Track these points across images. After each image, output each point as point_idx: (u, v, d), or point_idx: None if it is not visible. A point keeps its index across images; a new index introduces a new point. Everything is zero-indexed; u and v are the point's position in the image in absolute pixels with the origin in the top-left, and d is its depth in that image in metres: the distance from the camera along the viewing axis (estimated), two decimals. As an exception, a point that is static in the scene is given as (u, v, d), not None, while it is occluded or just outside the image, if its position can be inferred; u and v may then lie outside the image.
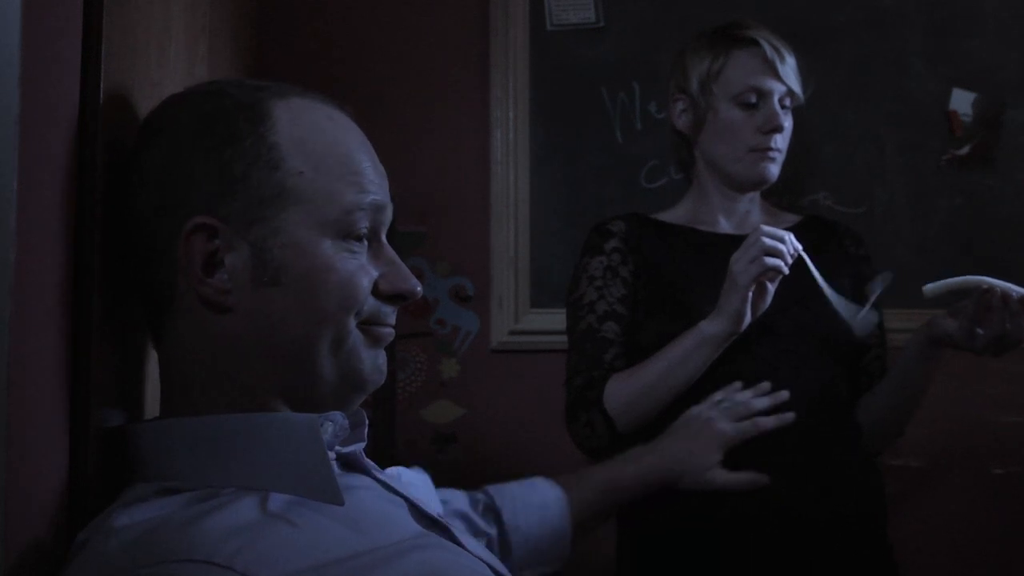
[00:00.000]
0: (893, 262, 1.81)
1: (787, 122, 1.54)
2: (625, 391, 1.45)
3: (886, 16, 1.87)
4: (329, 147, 0.82)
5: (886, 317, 1.64)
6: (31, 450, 0.73)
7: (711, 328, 1.38)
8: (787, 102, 1.53)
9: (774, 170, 1.53)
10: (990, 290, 1.31)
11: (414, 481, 1.01)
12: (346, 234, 0.81)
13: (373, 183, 0.84)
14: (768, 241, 1.33)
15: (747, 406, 1.36)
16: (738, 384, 1.39)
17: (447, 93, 1.92)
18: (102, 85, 0.83)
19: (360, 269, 0.82)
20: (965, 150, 1.85)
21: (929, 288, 1.36)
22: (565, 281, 1.62)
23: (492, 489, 1.16)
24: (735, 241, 1.51)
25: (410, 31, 1.93)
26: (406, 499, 0.85)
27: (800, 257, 1.39)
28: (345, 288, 0.80)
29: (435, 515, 0.85)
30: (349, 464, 0.86)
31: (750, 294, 1.34)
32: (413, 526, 0.82)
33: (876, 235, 1.80)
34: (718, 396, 1.38)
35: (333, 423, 0.81)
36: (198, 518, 0.69)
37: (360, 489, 0.82)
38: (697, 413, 1.37)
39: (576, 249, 1.61)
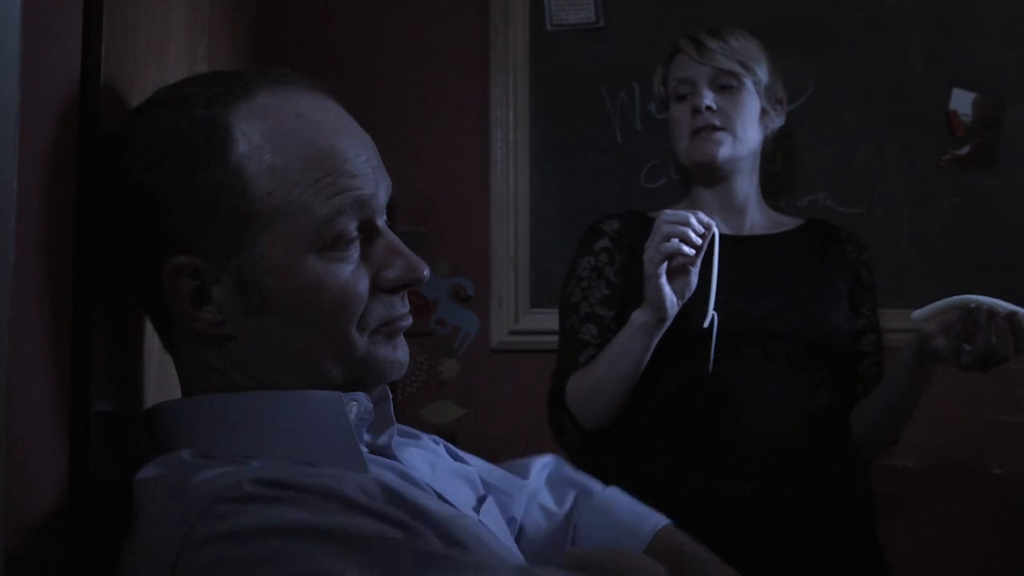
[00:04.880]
0: (893, 262, 1.81)
1: (729, 101, 1.53)
2: (580, 388, 1.48)
3: (886, 16, 1.87)
4: (297, 153, 0.77)
5: (886, 317, 1.64)
6: (31, 449, 0.73)
7: (639, 318, 1.40)
8: (727, 81, 1.53)
9: (717, 150, 1.52)
10: (977, 308, 1.31)
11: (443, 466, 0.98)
12: (330, 244, 0.77)
13: (356, 176, 0.79)
14: (666, 227, 1.35)
15: None
16: None
17: (447, 93, 1.92)
18: (102, 85, 0.83)
19: (353, 276, 0.79)
20: (965, 150, 1.85)
21: (918, 314, 1.37)
22: (563, 282, 1.63)
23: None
24: (732, 242, 1.51)
25: (410, 31, 1.92)
26: (433, 490, 0.85)
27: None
28: (339, 302, 0.78)
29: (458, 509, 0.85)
30: (376, 450, 0.85)
31: (662, 281, 1.35)
32: None
33: (876, 235, 1.80)
34: None
35: (358, 403, 0.81)
36: None
37: (388, 471, 0.82)
38: None
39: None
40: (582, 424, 1.48)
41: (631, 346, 1.41)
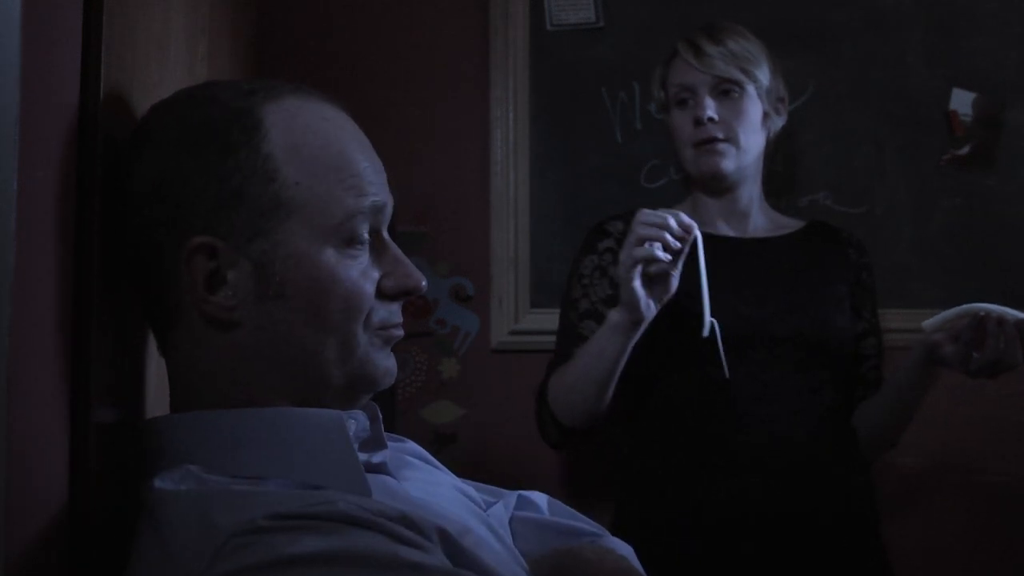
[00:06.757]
0: (893, 262, 1.81)
1: (731, 109, 1.50)
2: (559, 385, 1.47)
3: (886, 16, 1.87)
4: (324, 150, 0.81)
5: (886, 318, 1.64)
6: (31, 450, 0.73)
7: (614, 317, 1.37)
8: (729, 88, 1.51)
9: (721, 162, 1.51)
10: (986, 315, 1.32)
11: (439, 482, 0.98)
12: (348, 240, 0.80)
13: (372, 184, 0.82)
14: (641, 229, 1.30)
15: None
16: None
17: (447, 93, 1.91)
18: (102, 85, 0.83)
19: (363, 275, 0.81)
20: (965, 150, 1.85)
21: (928, 323, 1.38)
22: (565, 281, 1.63)
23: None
24: (734, 244, 1.51)
25: (410, 31, 1.92)
26: (434, 506, 0.85)
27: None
28: (350, 297, 0.80)
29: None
30: (372, 469, 0.85)
31: (635, 284, 1.31)
32: None
33: (876, 235, 1.80)
34: None
35: (356, 421, 0.82)
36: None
37: (388, 490, 0.82)
38: None
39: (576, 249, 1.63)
40: (561, 420, 1.47)
41: (607, 346, 1.38)
